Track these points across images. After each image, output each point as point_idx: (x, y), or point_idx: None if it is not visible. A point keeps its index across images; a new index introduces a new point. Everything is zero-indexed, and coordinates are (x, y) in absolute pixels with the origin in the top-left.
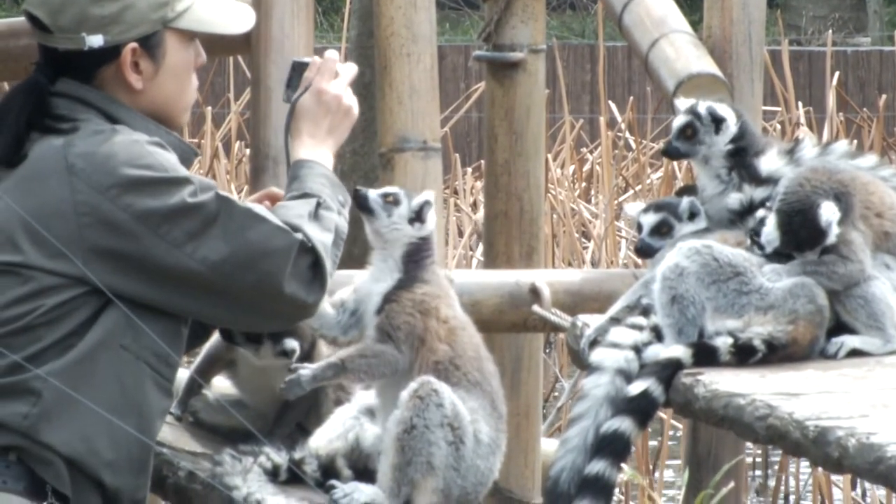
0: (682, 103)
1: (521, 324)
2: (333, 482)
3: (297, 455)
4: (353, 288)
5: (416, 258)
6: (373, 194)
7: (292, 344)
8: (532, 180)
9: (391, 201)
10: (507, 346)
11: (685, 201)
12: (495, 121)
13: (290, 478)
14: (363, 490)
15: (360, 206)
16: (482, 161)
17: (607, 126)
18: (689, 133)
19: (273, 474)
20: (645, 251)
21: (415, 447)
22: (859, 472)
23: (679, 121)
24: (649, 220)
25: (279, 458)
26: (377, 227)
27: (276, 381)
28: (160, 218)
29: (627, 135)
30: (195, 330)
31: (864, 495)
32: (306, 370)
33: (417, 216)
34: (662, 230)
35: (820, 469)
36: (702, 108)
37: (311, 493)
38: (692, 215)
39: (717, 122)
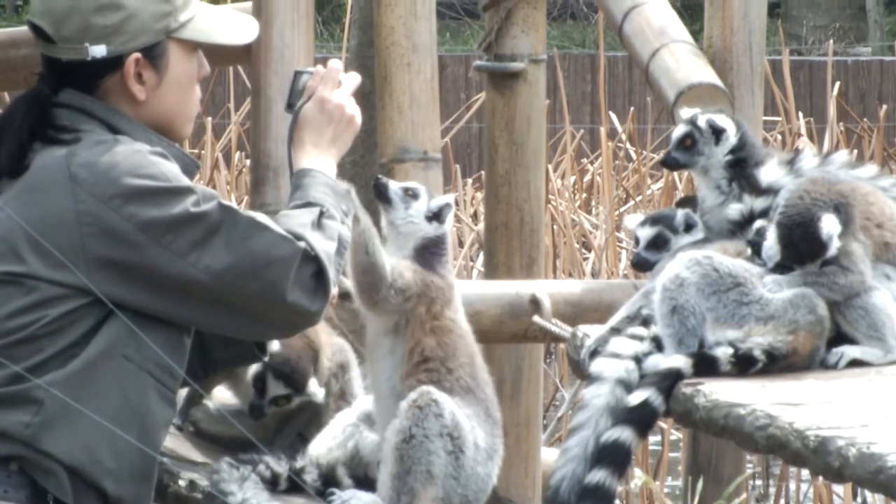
0: (685, 113)
1: (521, 334)
2: (332, 490)
3: (298, 464)
4: None
5: (430, 250)
6: (393, 185)
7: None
8: (532, 191)
9: (411, 195)
10: (508, 356)
11: (680, 214)
12: (496, 131)
13: (289, 487)
14: (361, 497)
15: (380, 195)
16: (482, 172)
17: (608, 136)
18: (688, 143)
19: (272, 483)
20: (641, 265)
21: (414, 456)
22: (860, 481)
23: (678, 131)
24: (645, 233)
25: (279, 467)
26: (393, 217)
27: None
28: (163, 228)
29: (628, 145)
30: (194, 370)
31: None
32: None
33: (436, 216)
34: (659, 244)
35: (820, 478)
36: (701, 119)
37: (310, 501)
38: (688, 227)
39: (717, 133)
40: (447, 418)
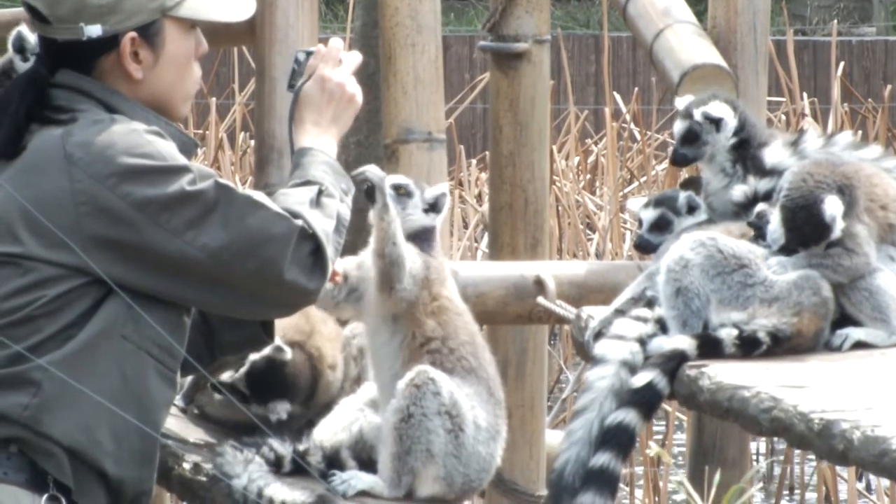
0: (680, 102)
1: (525, 316)
2: (334, 471)
3: (302, 446)
4: (357, 263)
5: (423, 238)
6: (384, 186)
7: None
8: (537, 172)
9: (403, 193)
10: (512, 337)
11: (682, 196)
12: (500, 112)
13: (293, 469)
14: (362, 478)
15: (372, 198)
16: (487, 152)
17: (612, 117)
18: (691, 138)
19: (276, 465)
20: (644, 247)
21: (413, 436)
22: (864, 464)
23: (679, 128)
24: (648, 216)
25: (283, 449)
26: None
27: None
28: (159, 206)
29: (632, 126)
30: (200, 355)
31: (868, 488)
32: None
33: (433, 207)
34: (661, 226)
35: (825, 461)
36: (697, 112)
37: (313, 483)
38: (691, 209)
39: (715, 122)
40: (445, 396)
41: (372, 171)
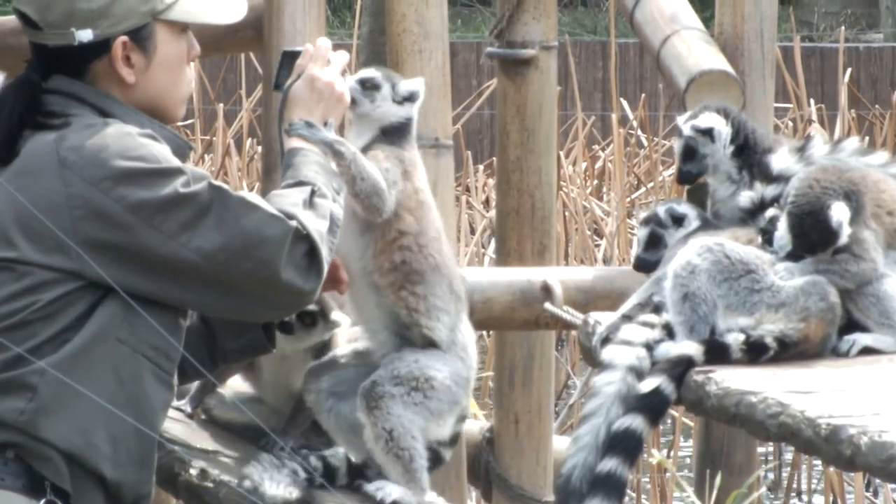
0: (680, 120)
1: (532, 321)
2: (362, 482)
3: (328, 454)
4: None
5: (394, 133)
6: (350, 83)
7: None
8: (544, 177)
9: (370, 87)
10: (519, 343)
11: (662, 210)
12: (507, 118)
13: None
14: (394, 488)
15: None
16: (494, 158)
17: (619, 123)
18: (690, 154)
19: (328, 478)
20: (641, 266)
21: (400, 447)
22: (871, 470)
23: (677, 146)
24: (641, 234)
25: (337, 460)
26: (360, 112)
27: (295, 378)
28: (153, 209)
29: (639, 132)
30: (203, 361)
31: (876, 494)
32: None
33: (407, 99)
34: (654, 241)
35: (832, 467)
36: (686, 127)
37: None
38: (677, 220)
39: (707, 133)
40: (403, 386)
41: (299, 127)
